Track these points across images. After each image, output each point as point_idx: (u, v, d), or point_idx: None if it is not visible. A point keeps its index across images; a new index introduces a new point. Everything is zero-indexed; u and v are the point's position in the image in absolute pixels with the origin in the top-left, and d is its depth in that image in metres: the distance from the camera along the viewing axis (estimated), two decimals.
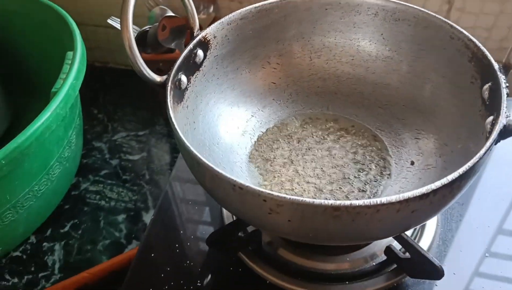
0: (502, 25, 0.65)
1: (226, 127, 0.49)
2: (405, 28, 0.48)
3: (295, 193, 0.44)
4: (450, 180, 0.31)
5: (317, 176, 0.46)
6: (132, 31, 0.38)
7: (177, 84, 0.43)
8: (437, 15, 0.45)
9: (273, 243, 0.46)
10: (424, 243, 0.45)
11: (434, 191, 0.31)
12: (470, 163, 0.32)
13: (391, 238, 0.43)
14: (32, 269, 0.58)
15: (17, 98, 0.75)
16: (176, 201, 0.53)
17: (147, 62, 0.71)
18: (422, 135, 0.47)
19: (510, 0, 0.63)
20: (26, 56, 0.76)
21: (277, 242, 0.46)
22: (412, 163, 0.46)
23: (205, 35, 0.46)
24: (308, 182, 0.45)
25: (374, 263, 0.44)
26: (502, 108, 0.35)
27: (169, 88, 0.40)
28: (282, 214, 0.32)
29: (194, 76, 0.46)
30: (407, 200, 0.31)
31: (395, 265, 0.44)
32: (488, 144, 0.33)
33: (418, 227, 0.47)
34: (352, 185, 0.45)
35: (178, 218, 0.51)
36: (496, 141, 0.35)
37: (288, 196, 0.31)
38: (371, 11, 0.49)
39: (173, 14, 0.67)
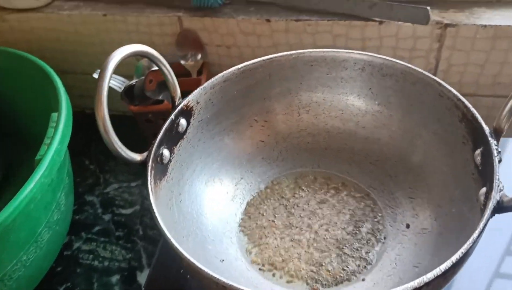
0: (495, 60, 0.64)
1: (214, 193, 0.48)
2: (393, 84, 0.47)
3: (286, 267, 0.43)
4: (443, 270, 0.30)
5: (309, 243, 0.45)
6: (107, 111, 0.37)
7: (159, 159, 0.42)
8: (425, 72, 0.44)
9: None
10: None
11: (427, 284, 0.30)
12: (463, 250, 0.30)
13: None
14: None
15: (8, 151, 0.74)
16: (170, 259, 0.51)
17: (136, 114, 0.70)
18: (415, 194, 0.45)
19: (501, 38, 0.62)
20: (16, 110, 0.75)
21: None
22: (408, 226, 0.44)
23: (187, 103, 0.45)
24: (298, 254, 0.44)
25: None
26: (494, 180, 0.34)
27: (149, 167, 0.39)
28: None
29: (178, 146, 0.45)
30: None
31: None
32: (481, 225, 0.32)
33: None
34: (346, 255, 0.44)
35: (173, 276, 0.50)
36: (490, 217, 0.33)
37: None
38: (357, 66, 0.48)
39: (157, 68, 0.67)
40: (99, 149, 0.81)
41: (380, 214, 0.46)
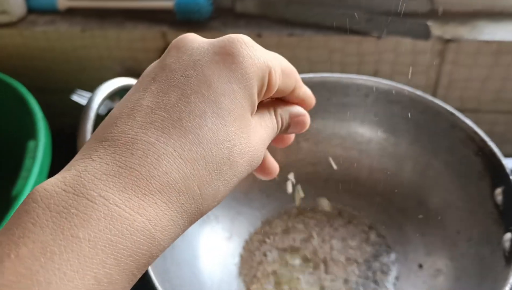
0: (497, 76, 0.62)
1: (210, 233, 0.44)
2: (400, 110, 0.43)
3: None
4: None
5: (315, 287, 0.41)
6: None
7: None
8: (435, 100, 0.41)
9: None
10: None
11: None
12: None
13: None
14: None
15: None
16: None
17: None
18: (427, 230, 0.42)
19: (504, 53, 0.59)
20: None
21: None
22: (420, 266, 0.41)
23: None
24: None
25: None
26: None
27: None
28: None
29: None
30: None
31: None
32: (510, 278, 0.29)
33: None
34: None
35: None
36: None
37: None
38: (360, 92, 0.45)
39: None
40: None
41: (390, 253, 0.43)
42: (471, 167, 0.38)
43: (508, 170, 0.34)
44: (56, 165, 0.69)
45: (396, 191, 0.45)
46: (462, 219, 0.40)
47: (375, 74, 0.63)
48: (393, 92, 0.42)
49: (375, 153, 0.46)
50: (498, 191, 0.35)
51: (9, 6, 0.69)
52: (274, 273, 0.42)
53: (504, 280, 0.29)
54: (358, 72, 0.58)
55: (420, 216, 0.43)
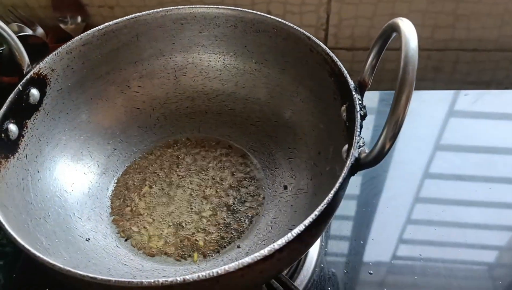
0: (383, 13, 0.63)
1: (83, 168, 0.44)
2: (267, 40, 0.44)
3: (158, 241, 0.40)
4: (294, 235, 0.28)
5: (183, 213, 0.42)
6: None
7: (4, 136, 0.37)
8: (295, 26, 0.41)
9: None
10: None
11: (279, 250, 0.28)
12: (314, 215, 0.29)
13: None
14: None
15: None
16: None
17: (12, 85, 0.63)
18: (294, 154, 0.44)
19: None
20: None
21: None
22: (285, 187, 0.43)
23: (39, 71, 0.40)
24: (171, 226, 0.41)
25: None
26: (355, 136, 0.33)
27: None
28: None
29: (32, 120, 0.40)
30: (249, 266, 0.27)
31: None
32: (337, 185, 0.30)
33: None
34: (223, 221, 0.42)
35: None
36: (349, 176, 0.32)
37: (127, 280, 0.27)
38: (229, 23, 0.45)
39: (30, 33, 0.60)
40: None
41: (259, 177, 0.44)
42: (328, 90, 0.40)
43: (351, 87, 0.36)
44: None
45: (268, 120, 0.46)
46: (323, 140, 0.41)
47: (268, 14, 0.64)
48: (258, 20, 0.43)
49: (249, 84, 0.47)
50: (343, 108, 0.37)
51: None
52: (146, 198, 0.43)
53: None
54: None
55: (289, 145, 0.44)
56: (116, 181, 0.45)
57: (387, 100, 0.59)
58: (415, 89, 0.28)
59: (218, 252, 0.40)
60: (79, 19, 0.67)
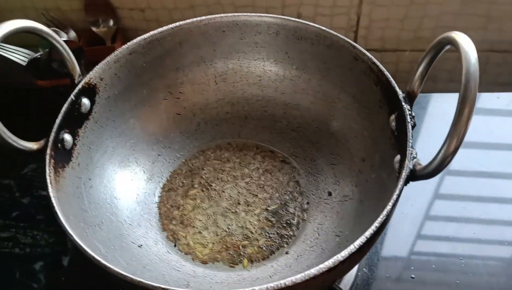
0: (415, 15, 0.64)
1: (130, 174, 0.45)
2: (309, 47, 0.45)
3: (208, 246, 0.41)
4: (357, 247, 0.29)
5: (231, 220, 0.43)
6: None
7: (60, 145, 0.38)
8: (339, 34, 0.42)
9: None
10: None
11: (342, 262, 0.29)
12: (377, 223, 0.30)
13: None
14: None
15: None
16: None
17: (45, 89, 0.64)
18: (337, 160, 0.45)
19: None
20: None
21: None
22: (330, 193, 0.43)
23: (89, 81, 0.41)
24: (220, 232, 0.42)
25: None
26: (407, 147, 0.33)
27: (48, 156, 0.36)
28: None
29: (83, 128, 0.41)
30: (315, 277, 0.28)
31: None
32: (394, 196, 0.31)
33: None
34: (270, 228, 0.42)
35: None
36: (403, 186, 0.33)
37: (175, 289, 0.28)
38: (271, 30, 0.45)
39: (66, 38, 0.61)
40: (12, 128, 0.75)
41: (303, 183, 0.45)
42: (373, 98, 0.40)
43: (400, 97, 0.36)
44: None
45: (309, 125, 0.47)
46: (367, 147, 0.42)
47: (298, 17, 0.64)
48: (300, 28, 0.43)
49: (289, 90, 0.48)
50: (392, 117, 0.37)
51: None
52: (194, 204, 0.44)
53: (392, 193, 0.32)
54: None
55: (331, 151, 0.45)
56: (162, 186, 0.46)
57: (419, 104, 0.60)
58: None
59: (268, 258, 0.40)
60: (111, 22, 0.67)
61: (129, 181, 0.44)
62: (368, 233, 0.29)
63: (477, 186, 0.50)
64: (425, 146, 0.47)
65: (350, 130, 0.44)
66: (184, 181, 0.46)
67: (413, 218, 0.47)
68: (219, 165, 0.47)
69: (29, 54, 0.62)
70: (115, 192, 0.43)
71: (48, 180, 0.34)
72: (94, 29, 0.67)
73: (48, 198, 0.34)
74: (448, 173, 0.51)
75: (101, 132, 0.43)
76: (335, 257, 0.28)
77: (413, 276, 0.44)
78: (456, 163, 0.48)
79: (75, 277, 0.47)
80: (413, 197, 0.48)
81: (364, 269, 0.44)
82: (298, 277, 0.28)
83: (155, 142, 0.47)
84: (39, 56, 0.60)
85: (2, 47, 0.64)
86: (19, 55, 0.62)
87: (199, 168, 0.47)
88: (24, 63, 0.61)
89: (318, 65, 0.45)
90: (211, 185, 0.46)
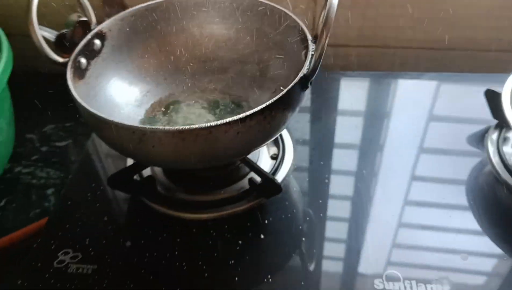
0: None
1: (125, 100, 0.62)
2: (258, 17, 0.63)
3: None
4: (260, 108, 0.45)
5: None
6: (36, 19, 0.51)
7: (78, 64, 0.56)
8: (273, 4, 0.60)
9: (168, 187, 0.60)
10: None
11: (250, 116, 0.45)
12: (276, 97, 0.46)
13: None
14: None
15: None
16: (95, 160, 0.65)
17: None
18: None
19: None
20: None
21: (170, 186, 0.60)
22: None
23: (101, 29, 0.60)
24: None
25: (241, 192, 0.58)
26: (305, 63, 0.50)
27: (69, 66, 0.53)
28: (146, 142, 0.45)
29: (94, 60, 0.59)
30: (230, 123, 0.44)
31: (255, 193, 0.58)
32: (290, 85, 0.48)
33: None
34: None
35: (95, 174, 0.64)
36: (303, 86, 0.49)
37: (149, 127, 0.44)
38: (233, 5, 0.64)
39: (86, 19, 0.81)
40: (39, 98, 0.93)
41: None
42: (297, 46, 0.57)
43: (309, 38, 0.54)
44: (20, 94, 0.85)
45: (257, 75, 0.64)
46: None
47: None
48: (250, 3, 0.62)
49: (241, 49, 0.65)
50: (303, 52, 0.55)
51: None
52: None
53: None
54: None
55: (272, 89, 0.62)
56: (146, 110, 0.63)
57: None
58: None
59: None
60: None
61: (124, 103, 0.62)
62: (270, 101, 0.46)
63: None
64: None
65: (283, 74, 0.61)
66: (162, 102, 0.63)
67: None
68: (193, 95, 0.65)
69: (56, 32, 0.81)
70: (113, 107, 0.60)
71: (69, 78, 0.52)
72: None
73: (67, 88, 0.51)
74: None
75: (107, 67, 0.61)
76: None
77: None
78: None
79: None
80: None
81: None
82: (220, 121, 0.44)
83: (145, 83, 0.65)
84: (65, 33, 0.79)
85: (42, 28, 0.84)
86: (48, 34, 0.82)
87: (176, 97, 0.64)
88: (52, 39, 0.80)
89: (262, 28, 0.63)
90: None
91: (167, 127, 0.44)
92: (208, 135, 0.45)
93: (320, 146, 0.66)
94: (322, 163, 0.63)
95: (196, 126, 0.44)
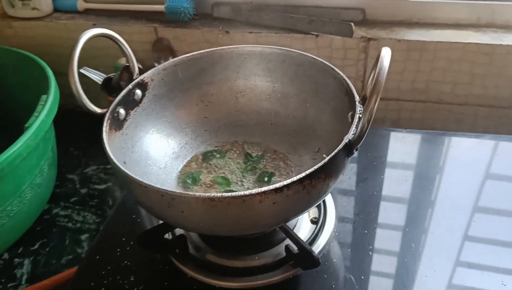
0: (410, 68, 0.78)
1: (163, 152, 0.60)
2: (305, 72, 0.60)
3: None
4: (298, 178, 0.42)
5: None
6: (77, 71, 0.50)
7: (116, 115, 0.54)
8: (324, 61, 0.57)
9: (200, 247, 0.56)
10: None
11: (287, 186, 0.41)
12: (317, 166, 0.42)
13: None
14: (3, 280, 0.68)
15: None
16: (124, 215, 0.63)
17: None
18: (316, 156, 0.58)
19: (413, 50, 0.75)
20: (16, 97, 0.88)
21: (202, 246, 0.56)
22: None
23: (143, 78, 0.58)
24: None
25: (277, 259, 0.54)
26: (351, 128, 0.46)
27: (106, 117, 0.52)
28: (176, 206, 0.42)
29: (134, 110, 0.57)
30: (265, 192, 0.41)
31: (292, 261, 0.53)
32: (335, 151, 0.44)
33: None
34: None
35: (124, 226, 0.61)
36: (348, 153, 0.45)
37: (178, 191, 0.42)
38: (280, 58, 0.61)
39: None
40: (83, 137, 0.94)
41: (291, 170, 0.58)
42: (343, 105, 0.54)
43: (356, 99, 0.50)
44: (66, 133, 0.85)
45: (301, 131, 0.61)
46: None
47: None
48: (300, 58, 0.59)
49: (291, 106, 0.62)
50: (350, 113, 0.51)
51: (40, 4, 0.90)
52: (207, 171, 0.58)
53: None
54: None
55: (314, 150, 0.58)
56: (184, 164, 0.61)
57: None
58: None
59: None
60: (170, 59, 0.87)
61: (161, 156, 0.60)
62: (309, 170, 0.42)
63: None
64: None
65: (329, 135, 0.57)
66: (202, 164, 0.61)
67: None
68: (231, 156, 0.62)
69: (104, 75, 0.82)
70: (150, 159, 0.58)
71: (104, 131, 0.50)
72: (156, 64, 0.86)
73: (102, 142, 0.49)
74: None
75: (146, 118, 0.59)
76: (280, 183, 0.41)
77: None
78: None
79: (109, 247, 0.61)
80: None
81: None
82: (253, 190, 0.41)
83: (185, 134, 0.63)
84: (112, 76, 0.79)
85: (87, 70, 0.85)
86: (97, 76, 0.82)
87: (213, 154, 0.62)
88: (99, 82, 0.81)
89: (312, 86, 0.60)
90: (224, 166, 0.60)
91: (197, 193, 0.41)
92: (241, 204, 0.41)
93: (364, 211, 0.61)
94: (366, 232, 0.58)
95: (229, 194, 0.41)
